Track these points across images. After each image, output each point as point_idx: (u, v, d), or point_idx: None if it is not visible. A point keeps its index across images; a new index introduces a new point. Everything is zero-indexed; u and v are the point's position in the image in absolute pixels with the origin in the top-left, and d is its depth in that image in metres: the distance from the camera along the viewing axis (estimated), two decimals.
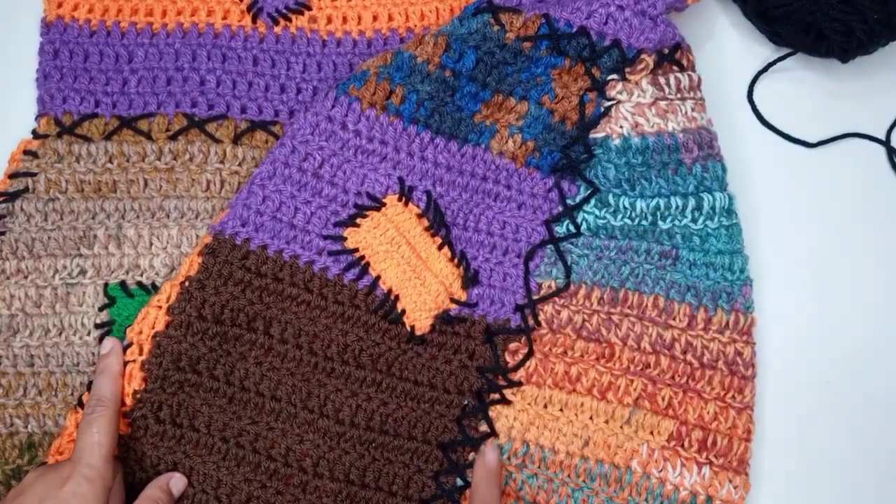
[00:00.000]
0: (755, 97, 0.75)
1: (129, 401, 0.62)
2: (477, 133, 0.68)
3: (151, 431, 0.62)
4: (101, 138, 0.69)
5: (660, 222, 0.67)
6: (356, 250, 0.66)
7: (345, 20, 0.73)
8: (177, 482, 0.61)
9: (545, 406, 0.65)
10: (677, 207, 0.67)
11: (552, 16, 0.66)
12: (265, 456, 0.63)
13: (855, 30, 0.69)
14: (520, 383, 0.66)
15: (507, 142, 0.68)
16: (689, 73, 0.68)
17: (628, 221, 0.67)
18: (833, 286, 0.71)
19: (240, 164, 0.69)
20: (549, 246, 0.68)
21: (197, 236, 0.68)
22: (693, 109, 0.67)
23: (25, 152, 0.68)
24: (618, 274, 0.67)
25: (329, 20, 0.73)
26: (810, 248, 0.72)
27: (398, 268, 0.66)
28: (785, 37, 0.73)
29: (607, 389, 0.65)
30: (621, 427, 0.65)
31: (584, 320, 0.66)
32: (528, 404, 0.65)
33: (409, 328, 0.66)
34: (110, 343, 0.64)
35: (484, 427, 0.65)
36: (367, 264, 0.66)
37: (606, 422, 0.65)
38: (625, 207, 0.67)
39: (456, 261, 0.67)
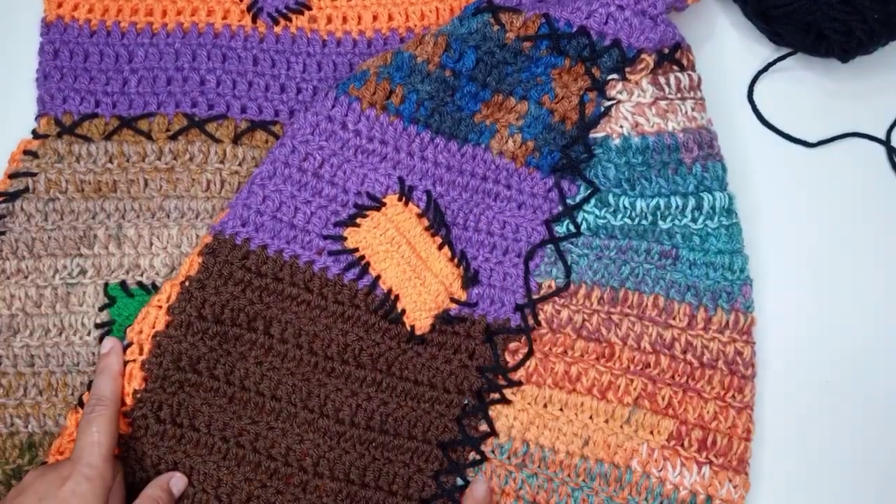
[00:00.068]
0: (755, 97, 0.75)
1: (129, 400, 0.62)
2: (477, 133, 0.68)
3: (152, 431, 0.62)
4: (101, 138, 0.69)
5: (660, 222, 0.67)
6: (356, 250, 0.66)
7: (345, 20, 0.73)
8: (177, 482, 0.61)
9: (545, 405, 0.65)
10: (677, 207, 0.67)
11: (552, 15, 0.66)
12: (265, 455, 0.63)
13: (855, 30, 0.69)
14: (520, 383, 0.66)
15: (507, 141, 0.68)
16: (689, 72, 0.68)
17: (628, 221, 0.68)
18: (833, 286, 0.71)
19: (240, 164, 0.69)
20: (549, 246, 0.68)
21: (197, 236, 0.68)
22: (693, 109, 0.67)
23: (25, 152, 0.68)
24: (618, 273, 0.67)
25: (329, 20, 0.73)
26: (810, 248, 0.72)
27: (398, 267, 0.66)
28: (785, 37, 0.73)
29: (607, 389, 0.65)
30: (621, 426, 0.65)
31: (584, 320, 0.66)
32: (528, 404, 0.65)
33: (409, 328, 0.66)
34: (110, 343, 0.64)
35: (484, 426, 0.65)
36: (367, 264, 0.66)
37: (606, 421, 0.65)
38: (625, 207, 0.67)
39: (456, 260, 0.67)
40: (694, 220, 0.67)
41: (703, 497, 0.63)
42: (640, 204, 0.67)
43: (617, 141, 0.67)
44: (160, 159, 0.69)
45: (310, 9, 0.73)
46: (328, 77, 0.72)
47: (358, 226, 0.67)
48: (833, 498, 0.67)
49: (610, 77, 0.67)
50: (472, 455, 0.65)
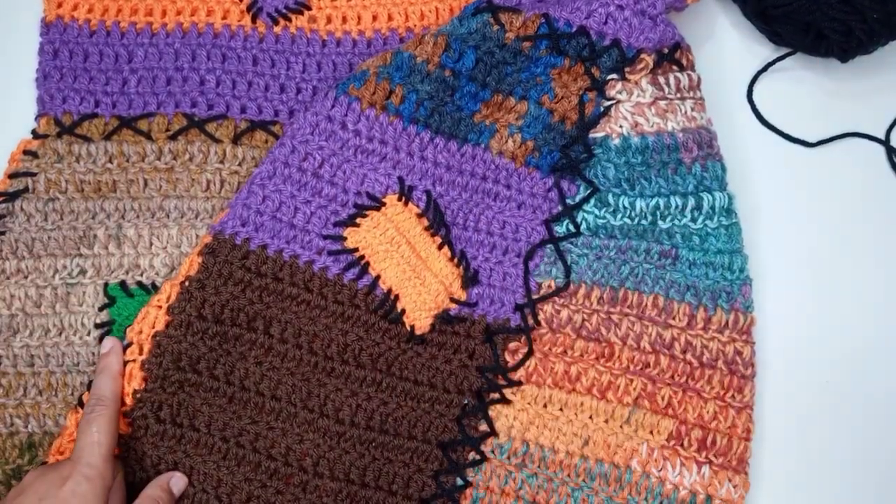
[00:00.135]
0: (755, 97, 0.75)
1: (129, 400, 0.62)
2: (477, 133, 0.69)
3: (152, 431, 0.62)
4: (101, 138, 0.69)
5: (659, 222, 0.67)
6: (356, 250, 0.66)
7: (344, 20, 0.73)
8: (177, 481, 0.61)
9: (545, 405, 0.65)
10: (677, 207, 0.67)
11: (552, 15, 0.66)
12: (265, 455, 0.63)
13: (855, 30, 0.69)
14: (520, 383, 0.66)
15: (506, 141, 0.68)
16: (689, 72, 0.68)
17: (628, 221, 0.68)
18: (833, 286, 0.71)
19: (240, 164, 0.69)
20: (549, 245, 0.68)
21: (197, 236, 0.68)
22: (693, 109, 0.67)
23: (25, 152, 0.68)
24: (617, 273, 0.67)
25: (329, 20, 0.73)
26: (810, 248, 0.72)
27: (398, 267, 0.66)
28: (785, 37, 0.73)
29: (607, 389, 0.65)
30: (621, 426, 0.65)
31: (583, 320, 0.66)
32: (528, 404, 0.65)
33: (408, 328, 0.66)
34: (110, 342, 0.64)
35: (484, 426, 0.65)
36: (367, 264, 0.66)
37: (606, 421, 0.65)
38: (624, 207, 0.67)
39: (456, 260, 0.67)
40: (693, 220, 0.67)
41: (703, 497, 0.63)
42: (639, 204, 0.67)
43: (616, 141, 0.67)
44: (160, 159, 0.69)
45: (309, 9, 0.73)
46: (328, 77, 0.72)
47: (358, 226, 0.67)
48: (833, 498, 0.67)
49: (609, 77, 0.67)
50: (472, 455, 0.65)
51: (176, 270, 0.67)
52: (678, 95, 0.67)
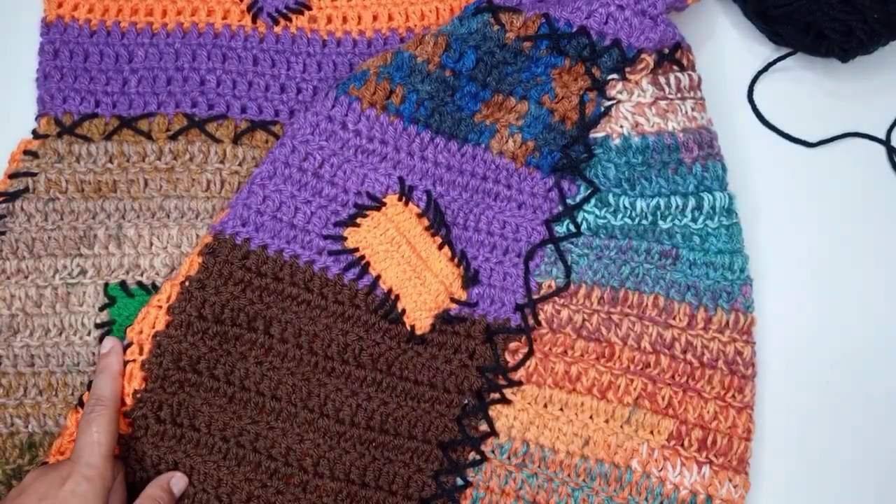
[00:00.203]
0: (755, 97, 0.75)
1: (129, 400, 0.62)
2: (477, 133, 0.68)
3: (152, 431, 0.62)
4: (101, 138, 0.69)
5: (660, 222, 0.67)
6: (356, 250, 0.66)
7: (345, 20, 0.73)
8: (177, 481, 0.61)
9: (545, 405, 0.65)
10: (677, 207, 0.67)
11: (552, 15, 0.66)
12: (265, 455, 0.63)
13: (855, 29, 0.69)
14: (520, 383, 0.66)
15: (507, 141, 0.68)
16: (689, 72, 0.68)
17: (628, 221, 0.68)
18: (833, 286, 0.71)
19: (240, 164, 0.69)
20: (549, 245, 0.68)
21: (197, 236, 0.68)
22: (693, 109, 0.67)
23: (25, 152, 0.68)
24: (618, 273, 0.67)
25: (329, 20, 0.73)
26: (810, 248, 0.72)
27: (398, 267, 0.66)
28: (785, 37, 0.73)
29: (607, 389, 0.65)
30: (621, 426, 0.65)
31: (584, 320, 0.66)
32: (529, 404, 0.65)
33: (409, 328, 0.66)
34: (110, 342, 0.64)
35: (484, 426, 0.65)
36: (367, 264, 0.66)
37: (606, 421, 0.65)
38: (625, 207, 0.67)
39: (456, 260, 0.67)
40: (694, 220, 0.67)
41: (703, 497, 0.63)
42: (640, 204, 0.67)
43: (617, 141, 0.67)
44: (160, 159, 0.69)
45: (310, 9, 0.73)
46: (328, 77, 0.72)
47: (358, 226, 0.67)
48: (833, 498, 0.67)
49: (610, 77, 0.67)
50: (472, 455, 0.65)
51: (176, 270, 0.67)
52: (679, 95, 0.67)
